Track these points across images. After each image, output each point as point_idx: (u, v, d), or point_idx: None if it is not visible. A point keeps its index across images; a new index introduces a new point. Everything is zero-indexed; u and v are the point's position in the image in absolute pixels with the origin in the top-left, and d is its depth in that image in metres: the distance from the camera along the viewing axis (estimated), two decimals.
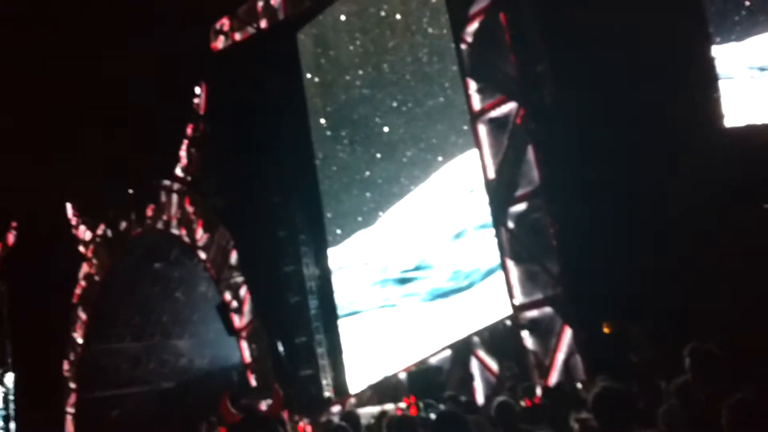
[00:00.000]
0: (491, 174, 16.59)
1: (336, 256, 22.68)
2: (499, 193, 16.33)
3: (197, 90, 27.11)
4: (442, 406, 10.00)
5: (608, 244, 13.58)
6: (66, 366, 34.82)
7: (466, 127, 17.86)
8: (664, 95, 14.27)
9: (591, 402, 3.64)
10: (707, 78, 15.87)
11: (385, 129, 22.02)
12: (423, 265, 20.35)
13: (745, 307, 12.62)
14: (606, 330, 14.18)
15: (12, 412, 38.17)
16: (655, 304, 13.16)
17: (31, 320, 34.59)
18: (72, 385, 34.36)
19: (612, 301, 13.78)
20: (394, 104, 21.64)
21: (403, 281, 20.88)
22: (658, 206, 13.56)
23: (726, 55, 16.57)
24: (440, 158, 20.42)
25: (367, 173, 22.66)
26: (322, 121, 23.77)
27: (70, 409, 34.30)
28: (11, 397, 38.09)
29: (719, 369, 4.04)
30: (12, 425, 37.55)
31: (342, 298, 22.17)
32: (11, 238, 39.74)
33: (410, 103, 21.20)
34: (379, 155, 22.49)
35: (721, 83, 15.97)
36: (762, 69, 17.20)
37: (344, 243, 22.70)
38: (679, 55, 15.18)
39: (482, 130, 16.92)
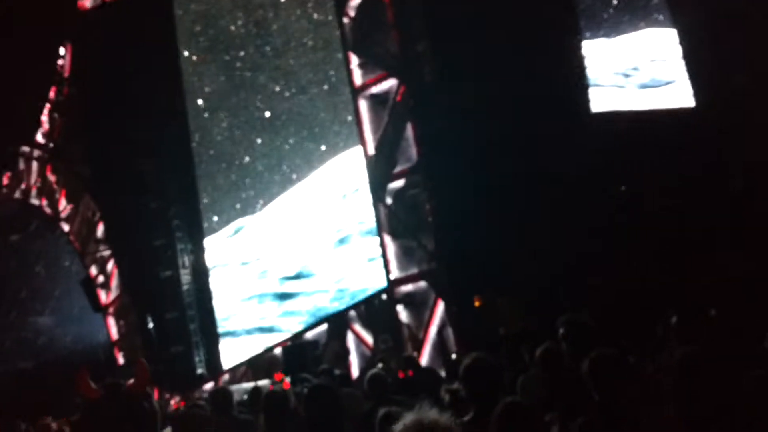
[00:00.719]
0: (371, 150, 16.66)
1: (213, 248, 21.97)
2: (379, 169, 16.45)
3: (62, 51, 25.24)
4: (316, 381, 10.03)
5: (481, 222, 14.07)
6: None
7: (350, 118, 17.76)
8: (538, 79, 14.89)
9: (462, 373, 3.72)
10: (577, 67, 16.70)
11: (267, 114, 21.50)
12: (305, 273, 19.98)
13: (609, 281, 13.51)
14: (476, 303, 14.71)
15: None
16: (523, 279, 13.79)
17: None
18: None
19: (483, 276, 14.31)
20: (277, 89, 21.18)
21: (283, 297, 20.43)
22: (529, 185, 14.18)
23: (595, 51, 17.52)
24: (323, 147, 20.30)
25: (247, 159, 22.09)
26: (200, 102, 22.85)
27: None
28: None
29: (592, 338, 4.20)
30: None
31: (218, 310, 21.52)
32: None
33: (293, 89, 20.82)
34: (259, 140, 21.94)
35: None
36: (626, 76, 18.34)
37: (221, 231, 22.04)
38: (552, 43, 15.88)
39: (363, 105, 16.95)
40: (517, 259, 13.95)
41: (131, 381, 2.39)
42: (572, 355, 4.24)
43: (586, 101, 16.66)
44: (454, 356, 9.48)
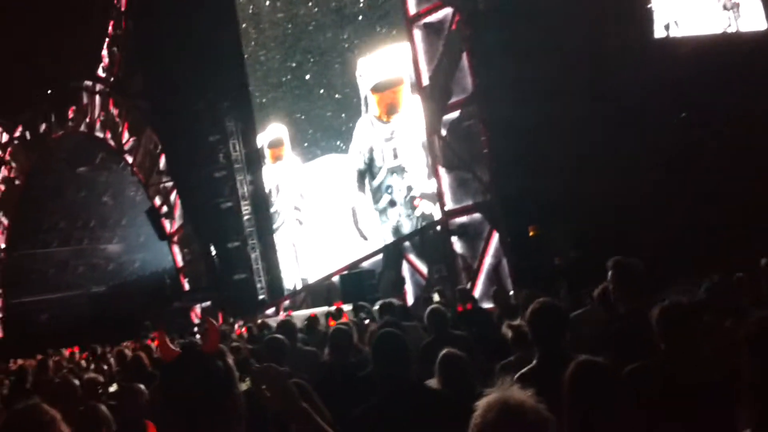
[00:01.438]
0: (425, 81, 16.52)
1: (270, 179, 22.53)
2: (433, 101, 16.34)
3: None
4: (375, 308, 10.38)
5: (536, 153, 13.92)
6: None
7: None
8: (599, 5, 14.37)
9: (528, 317, 3.84)
10: None
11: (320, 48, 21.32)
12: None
13: (666, 215, 13.32)
14: (531, 233, 14.76)
15: None
16: (580, 210, 13.73)
17: None
18: None
19: (538, 207, 14.29)
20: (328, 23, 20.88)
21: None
22: (588, 116, 13.90)
23: None
24: None
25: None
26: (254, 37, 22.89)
27: None
28: None
29: (640, 283, 4.16)
30: None
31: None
32: None
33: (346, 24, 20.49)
34: (308, 76, 21.83)
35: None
36: None
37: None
38: None
39: (417, 35, 16.70)
40: (572, 189, 13.85)
41: (205, 340, 2.59)
42: (620, 299, 4.25)
43: (650, 27, 16.01)
44: (512, 293, 9.58)
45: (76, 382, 5.44)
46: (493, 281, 14.83)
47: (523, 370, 3.63)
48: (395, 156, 18.63)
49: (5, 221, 32.99)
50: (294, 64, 22.06)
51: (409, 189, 18.33)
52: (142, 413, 4.74)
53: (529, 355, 4.05)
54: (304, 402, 2.19)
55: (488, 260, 15.20)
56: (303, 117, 22.08)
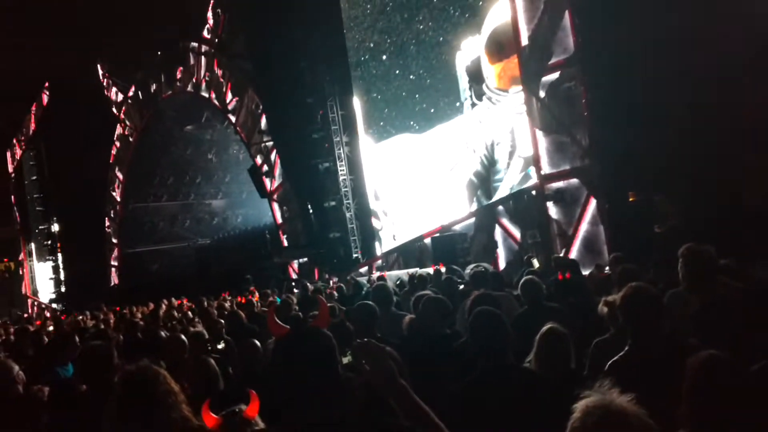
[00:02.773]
0: (525, 40, 16.11)
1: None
2: (532, 61, 15.93)
3: None
4: (467, 271, 10.43)
5: (638, 117, 13.38)
6: (107, 223, 36.42)
7: None
8: None
9: (621, 302, 3.72)
10: None
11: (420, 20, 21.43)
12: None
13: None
14: (631, 199, 14.30)
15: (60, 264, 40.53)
16: (684, 177, 13.16)
17: (71, 178, 35.83)
18: (114, 241, 36.13)
19: (638, 173, 13.79)
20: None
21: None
22: (691, 81, 13.18)
23: None
24: None
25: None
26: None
27: (114, 263, 36.30)
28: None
29: (712, 272, 3.97)
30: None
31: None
32: (45, 98, 40.21)
33: None
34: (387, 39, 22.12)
35: None
36: None
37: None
38: None
39: None
40: (674, 156, 13.25)
41: (316, 315, 2.77)
42: (689, 288, 4.05)
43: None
44: (607, 269, 9.31)
45: (182, 336, 5.86)
46: (588, 249, 14.55)
47: (615, 358, 3.56)
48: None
49: (120, 176, 35.17)
50: (372, 45, 22.45)
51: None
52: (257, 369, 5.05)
53: (625, 331, 4.00)
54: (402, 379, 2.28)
55: (584, 227, 14.86)
56: (379, 97, 22.48)
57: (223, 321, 7.84)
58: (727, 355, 2.73)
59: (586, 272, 10.56)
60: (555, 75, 15.54)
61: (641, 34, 13.19)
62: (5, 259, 48.38)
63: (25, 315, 37.69)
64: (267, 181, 25.10)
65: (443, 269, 11.45)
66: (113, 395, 2.86)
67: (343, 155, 22.08)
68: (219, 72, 27.13)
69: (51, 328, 12.58)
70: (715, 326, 3.68)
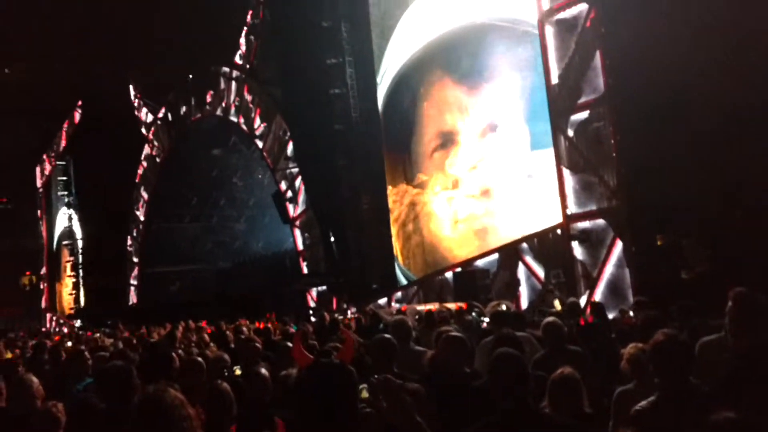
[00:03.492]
0: (554, 79, 16.09)
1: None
2: (561, 99, 15.89)
3: None
4: (488, 308, 10.26)
5: (668, 159, 13.22)
6: (129, 241, 36.73)
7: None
8: (745, 5, 13.36)
9: (650, 350, 3.66)
10: None
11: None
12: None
13: None
14: (659, 242, 14.07)
15: (81, 280, 40.86)
16: (710, 222, 12.95)
17: (97, 195, 36.32)
18: (135, 259, 36.39)
19: (667, 216, 13.59)
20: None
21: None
22: (724, 123, 13.01)
23: None
24: None
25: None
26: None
27: (133, 281, 36.52)
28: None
29: (764, 321, 3.76)
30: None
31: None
32: (77, 116, 41.03)
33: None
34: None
35: None
36: None
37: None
38: None
39: (549, 31, 16.26)
40: (704, 200, 13.04)
41: (341, 348, 2.71)
42: (737, 335, 3.89)
43: None
44: (631, 314, 9.11)
45: (201, 359, 5.79)
46: (613, 292, 14.30)
47: (642, 404, 3.47)
48: None
49: (145, 196, 35.56)
50: None
51: None
52: (266, 398, 4.96)
53: (649, 383, 3.89)
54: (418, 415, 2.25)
55: (609, 269, 14.62)
56: None
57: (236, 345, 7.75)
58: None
59: (610, 315, 10.37)
60: (584, 114, 15.48)
61: (673, 77, 13.11)
62: (27, 272, 48.98)
63: (43, 329, 37.95)
64: (290, 207, 25.20)
65: (465, 307, 11.33)
66: (131, 416, 2.85)
67: (366, 186, 22.10)
68: (249, 97, 27.48)
69: (69, 344, 12.59)
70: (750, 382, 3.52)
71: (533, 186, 17.72)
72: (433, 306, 13.33)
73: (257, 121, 26.97)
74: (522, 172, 18.17)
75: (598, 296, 14.25)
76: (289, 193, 25.19)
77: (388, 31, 22.69)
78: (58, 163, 44.55)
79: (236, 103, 28.28)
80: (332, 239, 22.62)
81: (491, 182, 19.29)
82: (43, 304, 47.90)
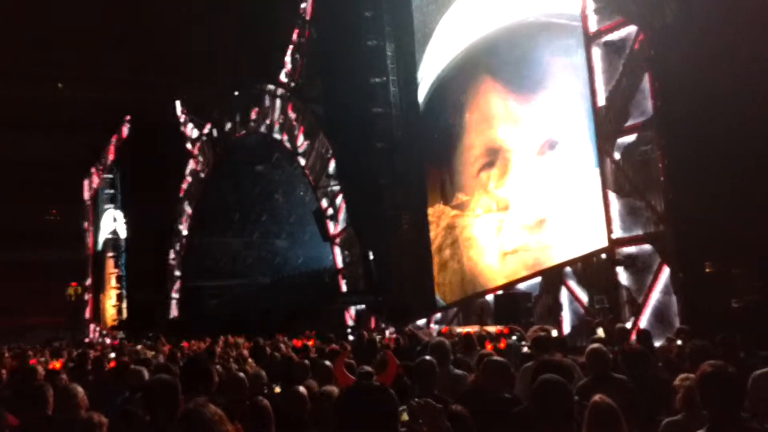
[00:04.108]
0: (601, 101, 15.89)
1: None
2: (608, 122, 15.66)
3: None
4: (529, 333, 10.07)
5: (718, 184, 12.87)
6: (172, 255, 37.33)
7: None
8: None
9: (698, 379, 3.58)
10: None
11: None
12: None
13: None
14: (708, 270, 13.68)
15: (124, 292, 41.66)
16: (762, 250, 12.53)
17: (141, 208, 37.13)
18: (177, 273, 36.94)
19: (716, 243, 13.22)
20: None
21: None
22: None
23: None
24: None
25: None
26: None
27: (175, 294, 37.04)
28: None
29: None
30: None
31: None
32: (125, 130, 42.09)
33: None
34: None
35: None
36: None
37: None
38: None
39: (596, 53, 16.08)
40: (755, 227, 12.64)
41: (383, 371, 2.68)
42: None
43: None
44: (679, 342, 8.84)
45: (242, 374, 5.81)
46: (659, 319, 13.92)
47: None
48: None
49: (189, 210, 36.16)
50: None
51: None
52: (304, 417, 4.94)
53: (699, 415, 3.77)
54: None
55: (655, 296, 14.25)
56: None
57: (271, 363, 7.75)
58: None
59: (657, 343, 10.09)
60: (631, 137, 15.21)
61: (723, 102, 12.81)
62: (73, 283, 50.16)
63: (87, 339, 38.72)
64: (330, 225, 25.30)
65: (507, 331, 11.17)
66: (173, 430, 2.90)
67: (407, 205, 22.09)
68: (293, 115, 27.79)
69: (112, 355, 12.78)
70: None
71: (584, 208, 16.87)
72: (472, 329, 13.15)
73: (300, 139, 27.23)
74: (584, 194, 16.74)
75: (643, 323, 13.88)
76: (330, 211, 25.31)
77: (427, 36, 22.04)
78: (105, 176, 45.73)
79: (280, 121, 28.62)
80: (371, 258, 22.61)
81: (548, 210, 17.87)
82: (87, 315, 48.93)
